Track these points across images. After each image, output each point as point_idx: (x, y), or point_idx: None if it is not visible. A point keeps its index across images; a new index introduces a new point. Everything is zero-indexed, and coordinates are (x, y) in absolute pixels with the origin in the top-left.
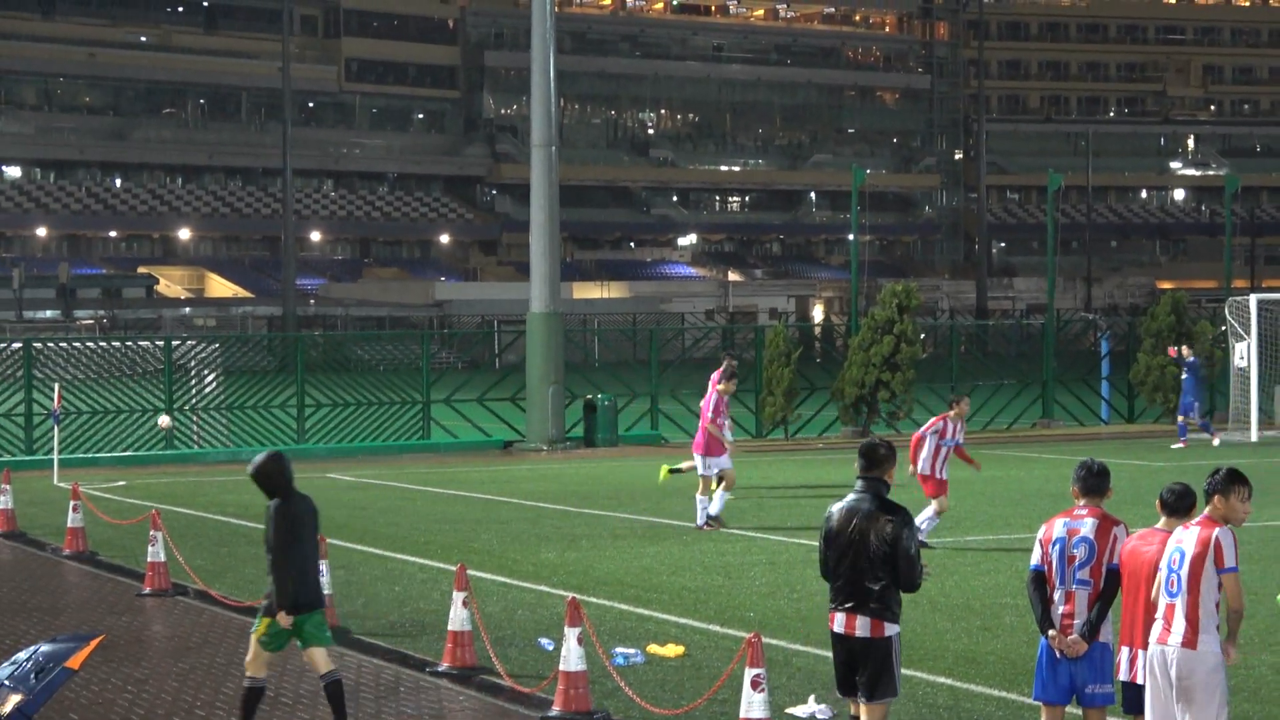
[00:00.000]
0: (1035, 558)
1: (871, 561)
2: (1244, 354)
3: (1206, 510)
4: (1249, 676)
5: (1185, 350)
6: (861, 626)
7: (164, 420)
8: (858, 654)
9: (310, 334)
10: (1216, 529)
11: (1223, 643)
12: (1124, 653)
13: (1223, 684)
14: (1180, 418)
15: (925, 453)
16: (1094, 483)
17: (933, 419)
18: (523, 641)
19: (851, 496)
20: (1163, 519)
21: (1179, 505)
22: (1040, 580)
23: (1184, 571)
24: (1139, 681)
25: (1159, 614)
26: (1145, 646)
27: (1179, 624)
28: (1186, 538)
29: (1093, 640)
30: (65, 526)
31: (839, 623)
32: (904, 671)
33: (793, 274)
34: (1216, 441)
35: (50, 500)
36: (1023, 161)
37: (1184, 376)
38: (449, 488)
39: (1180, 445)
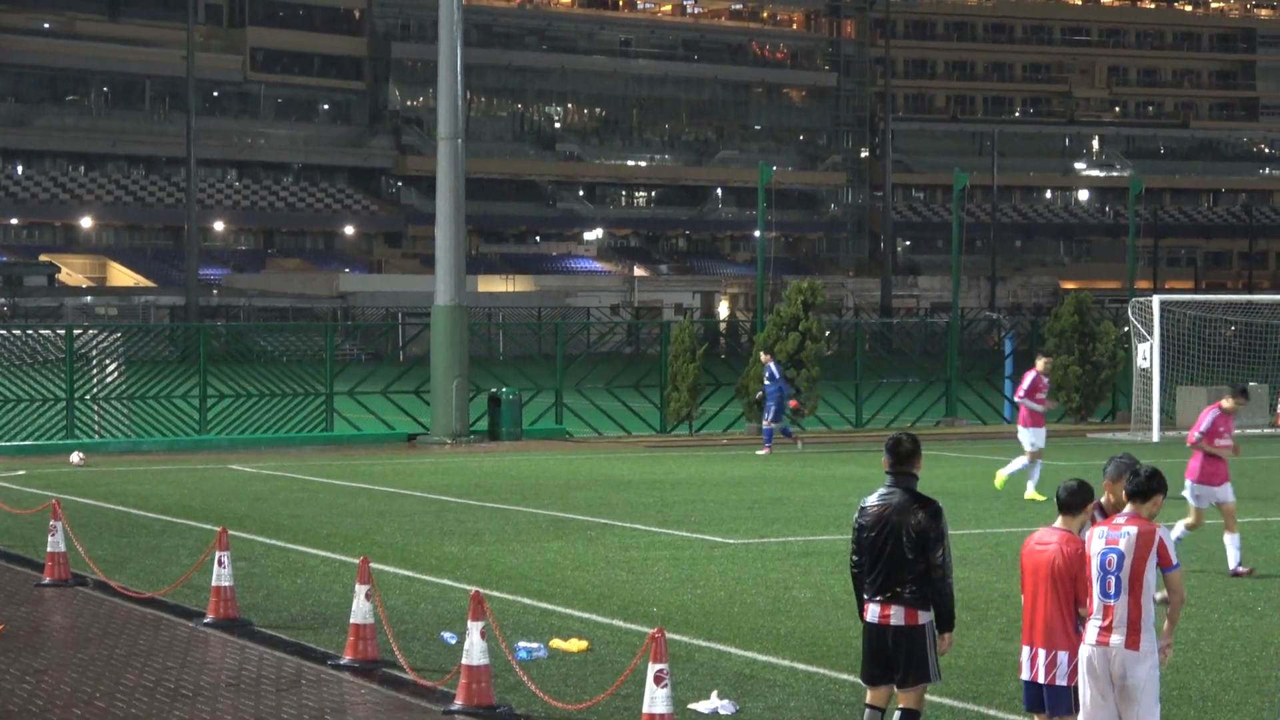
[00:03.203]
0: None
1: (906, 553)
2: (1146, 355)
3: (1130, 510)
4: None
5: (765, 356)
6: (896, 615)
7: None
8: (892, 642)
9: (213, 324)
10: (1158, 529)
11: (1161, 643)
12: (1024, 652)
13: (1159, 681)
14: (769, 423)
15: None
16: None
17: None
18: (425, 635)
19: (882, 491)
20: (1059, 518)
21: (1071, 503)
22: None
23: (1124, 574)
24: (1039, 681)
25: (1095, 616)
26: (1045, 645)
27: (1120, 626)
28: (1124, 537)
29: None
30: None
31: (873, 613)
32: (807, 668)
33: (698, 270)
34: (763, 452)
35: None
36: (928, 160)
37: (767, 383)
38: (352, 480)
39: (763, 450)
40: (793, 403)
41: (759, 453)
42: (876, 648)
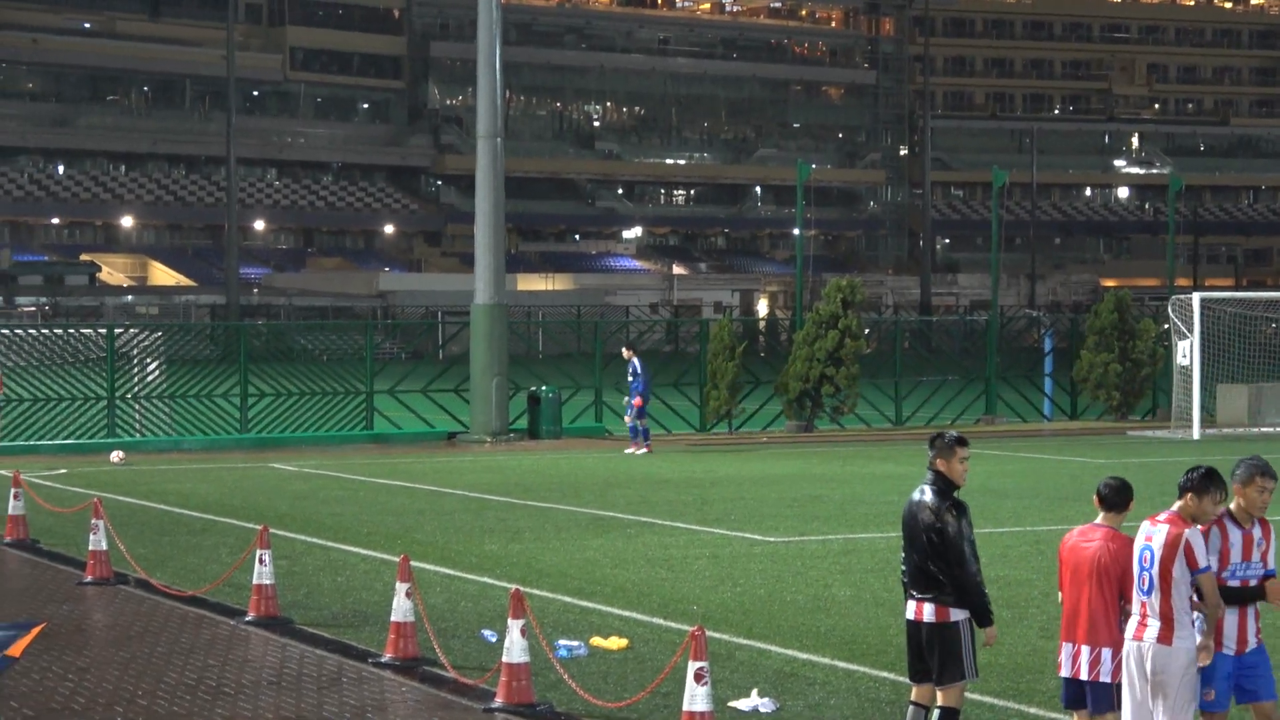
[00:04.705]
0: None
1: (927, 549)
2: (1186, 352)
3: (1177, 507)
4: None
5: (627, 352)
6: (928, 613)
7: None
8: (925, 639)
9: (253, 323)
10: (1186, 530)
11: (1199, 644)
12: (1066, 649)
13: (1194, 680)
14: (638, 420)
15: None
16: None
17: None
18: (466, 633)
19: (919, 487)
20: (1100, 514)
21: (1116, 500)
22: None
23: (1154, 570)
24: (1082, 677)
25: (1134, 611)
26: (1089, 642)
27: (1153, 621)
28: (1156, 535)
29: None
30: (6, 514)
31: (910, 610)
32: (847, 666)
33: (737, 268)
34: (630, 451)
35: None
36: (967, 158)
37: (630, 379)
38: (392, 478)
39: (642, 450)
40: (636, 400)
41: (637, 452)
42: (914, 644)
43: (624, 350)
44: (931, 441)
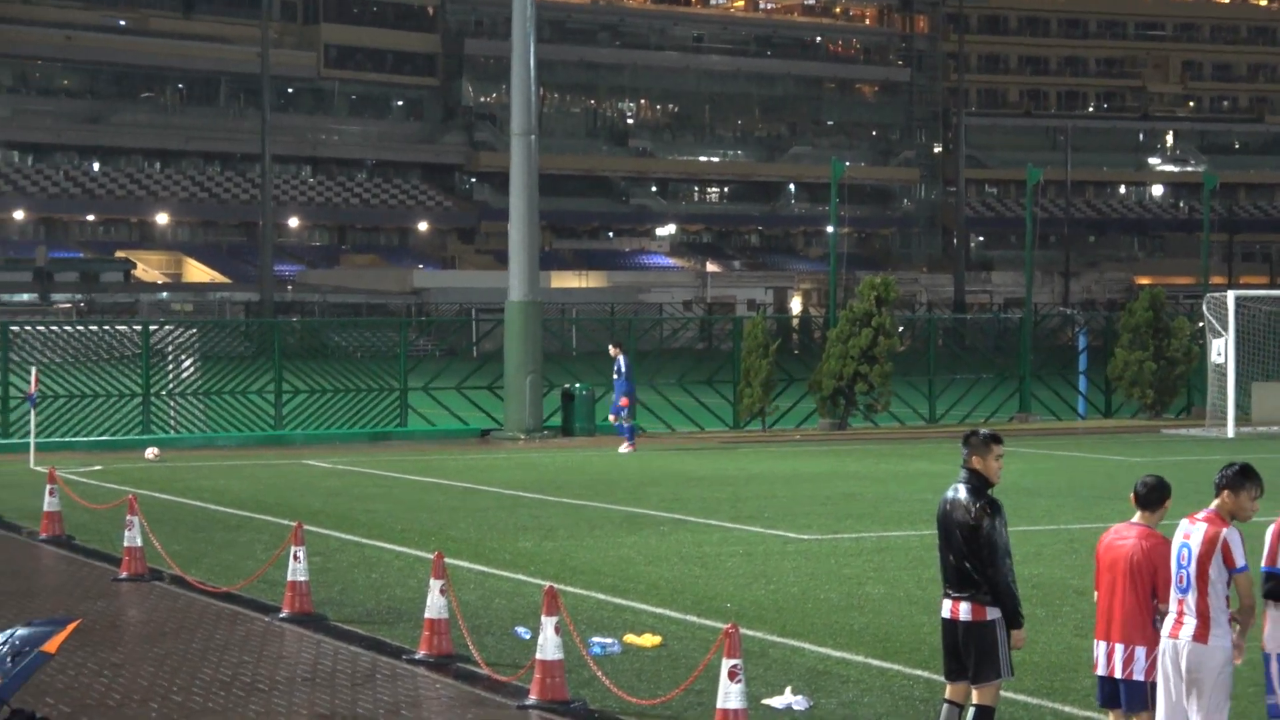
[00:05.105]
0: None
1: (962, 547)
2: (1221, 350)
3: (1215, 505)
4: None
5: (614, 350)
6: (964, 611)
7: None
8: (961, 638)
9: (288, 320)
10: (1224, 529)
11: (1234, 639)
12: (1100, 647)
13: (1230, 679)
14: (612, 418)
15: None
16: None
17: None
18: (499, 630)
19: (953, 485)
20: (1137, 513)
21: (1152, 498)
22: None
23: (1192, 569)
24: (1116, 676)
25: (1171, 609)
26: (1123, 640)
27: (1189, 619)
28: (1194, 533)
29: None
30: (41, 510)
31: (945, 608)
32: (881, 664)
33: (771, 265)
34: (624, 449)
35: (26, 484)
36: (1001, 156)
37: (615, 378)
38: (426, 475)
39: (625, 448)
40: (623, 400)
41: (621, 450)
42: (949, 643)
43: (611, 347)
44: (966, 439)
